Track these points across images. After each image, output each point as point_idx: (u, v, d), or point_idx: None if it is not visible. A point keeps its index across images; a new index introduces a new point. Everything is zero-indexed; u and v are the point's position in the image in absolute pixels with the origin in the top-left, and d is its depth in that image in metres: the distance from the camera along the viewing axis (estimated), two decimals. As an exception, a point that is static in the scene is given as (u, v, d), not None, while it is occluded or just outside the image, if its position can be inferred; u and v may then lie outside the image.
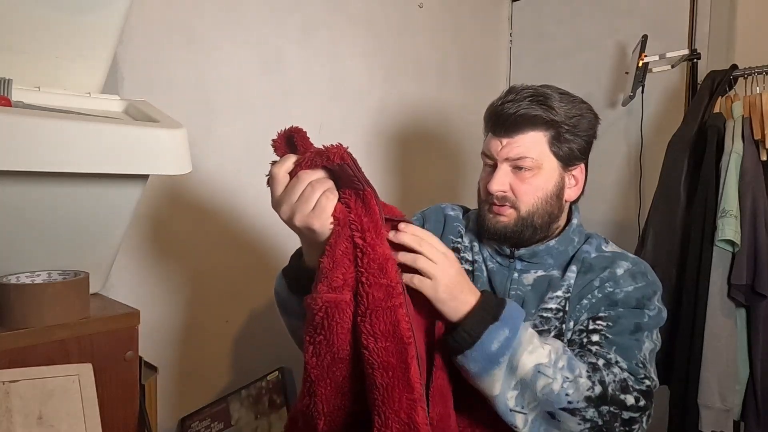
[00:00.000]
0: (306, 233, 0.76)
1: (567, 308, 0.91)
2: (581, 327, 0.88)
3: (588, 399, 0.76)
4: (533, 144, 0.92)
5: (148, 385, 1.07)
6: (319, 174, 0.74)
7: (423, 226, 0.97)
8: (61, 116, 0.79)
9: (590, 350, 0.84)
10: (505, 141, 0.93)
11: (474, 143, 2.13)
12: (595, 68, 2.04)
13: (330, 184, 0.74)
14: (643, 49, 1.71)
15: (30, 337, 0.81)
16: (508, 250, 0.98)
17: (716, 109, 1.60)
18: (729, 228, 1.44)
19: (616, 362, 0.82)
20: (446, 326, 0.78)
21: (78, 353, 0.85)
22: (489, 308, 0.76)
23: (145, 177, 0.90)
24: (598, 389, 0.77)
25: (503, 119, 0.92)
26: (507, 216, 0.94)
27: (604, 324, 0.87)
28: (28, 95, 0.88)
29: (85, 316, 0.87)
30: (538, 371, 0.75)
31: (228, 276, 1.55)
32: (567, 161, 0.95)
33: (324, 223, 0.72)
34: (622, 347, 0.84)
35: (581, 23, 2.08)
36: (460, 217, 1.09)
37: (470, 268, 1.00)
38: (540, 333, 0.85)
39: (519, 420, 0.77)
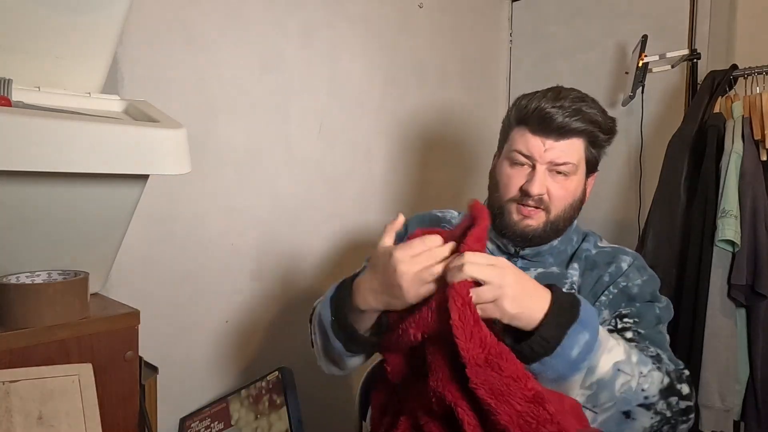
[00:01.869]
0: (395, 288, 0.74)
1: None
2: (609, 327, 0.87)
3: (660, 392, 0.75)
4: (575, 150, 0.92)
5: (148, 385, 1.06)
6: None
7: (404, 235, 0.94)
8: (61, 116, 0.79)
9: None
10: (548, 143, 0.91)
11: (474, 143, 2.13)
12: (595, 68, 2.04)
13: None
14: (643, 49, 1.71)
15: (30, 337, 0.81)
16: (513, 249, 0.97)
17: (716, 109, 1.60)
18: (729, 228, 1.44)
19: (658, 354, 0.81)
20: (503, 330, 0.72)
21: (78, 353, 0.85)
22: (565, 310, 0.70)
23: (145, 177, 0.90)
24: (666, 380, 0.76)
25: (553, 124, 0.90)
26: (536, 219, 0.93)
27: (631, 321, 0.86)
28: (28, 95, 0.88)
29: (85, 316, 0.87)
30: (618, 369, 0.72)
31: (228, 276, 1.55)
32: (591, 169, 0.97)
33: (418, 291, 0.72)
34: (654, 341, 0.84)
35: (581, 23, 2.08)
36: (449, 218, 1.09)
37: None
38: None
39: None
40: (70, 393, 0.80)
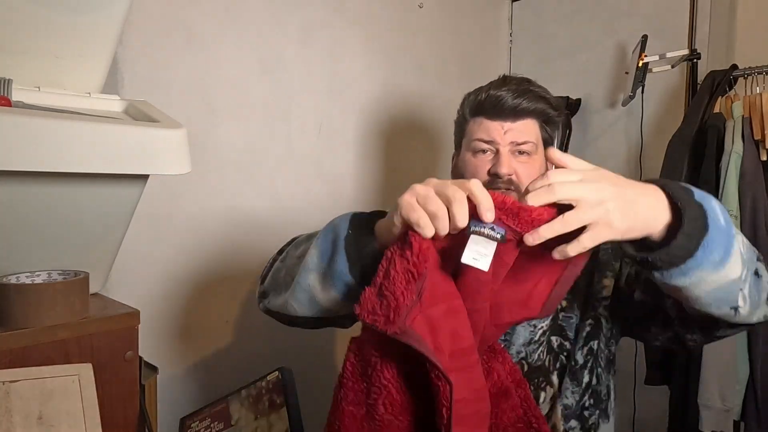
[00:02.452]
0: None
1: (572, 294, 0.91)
2: (630, 271, 0.89)
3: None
4: (532, 129, 0.96)
5: (148, 385, 1.06)
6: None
7: None
8: (61, 116, 0.79)
9: None
10: (506, 125, 0.95)
11: (474, 143, 2.13)
12: (595, 68, 2.04)
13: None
14: (643, 49, 1.71)
15: (30, 337, 0.80)
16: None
17: (716, 109, 1.60)
18: (729, 228, 1.44)
19: None
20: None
21: (78, 353, 0.85)
22: (687, 198, 0.62)
23: (145, 177, 0.90)
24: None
25: (506, 104, 0.94)
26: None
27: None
28: (28, 95, 0.88)
29: (85, 316, 0.87)
30: (734, 232, 0.66)
31: (228, 276, 1.55)
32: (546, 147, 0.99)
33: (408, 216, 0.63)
34: None
35: (581, 23, 2.08)
36: None
37: None
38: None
39: (740, 298, 0.68)
40: (70, 393, 0.80)
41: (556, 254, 0.60)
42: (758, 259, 0.72)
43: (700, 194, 0.64)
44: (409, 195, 0.64)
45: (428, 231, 0.61)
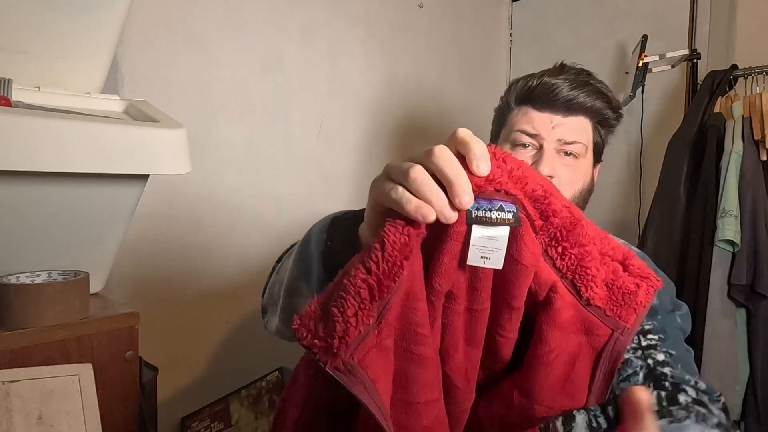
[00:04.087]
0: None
1: None
2: (633, 345, 0.76)
3: None
4: (584, 129, 0.84)
5: (148, 385, 1.06)
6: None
7: None
8: (61, 116, 0.79)
9: (666, 378, 0.70)
10: (556, 119, 0.82)
11: (474, 143, 2.13)
12: (595, 68, 2.02)
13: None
14: (643, 49, 1.71)
15: (30, 337, 0.80)
16: None
17: (716, 109, 1.60)
18: (729, 228, 1.44)
19: (696, 385, 0.70)
20: None
21: (78, 353, 0.85)
22: None
23: (145, 177, 0.90)
24: None
25: (559, 95, 0.81)
26: None
27: (656, 338, 0.75)
28: (28, 95, 0.88)
29: (85, 316, 0.87)
30: None
31: (228, 276, 1.55)
32: (598, 156, 0.88)
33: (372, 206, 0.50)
34: (686, 363, 0.73)
35: (581, 23, 2.08)
36: None
37: None
38: None
39: None
40: (70, 393, 0.80)
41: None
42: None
43: None
44: (387, 178, 0.47)
45: (431, 216, 0.42)
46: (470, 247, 0.43)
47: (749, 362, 1.50)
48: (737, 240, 1.43)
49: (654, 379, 0.71)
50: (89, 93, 0.97)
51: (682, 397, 0.67)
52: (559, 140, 0.82)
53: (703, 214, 1.53)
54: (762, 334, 1.47)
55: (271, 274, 0.81)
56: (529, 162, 0.81)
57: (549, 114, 0.83)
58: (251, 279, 1.59)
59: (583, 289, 0.46)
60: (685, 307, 0.81)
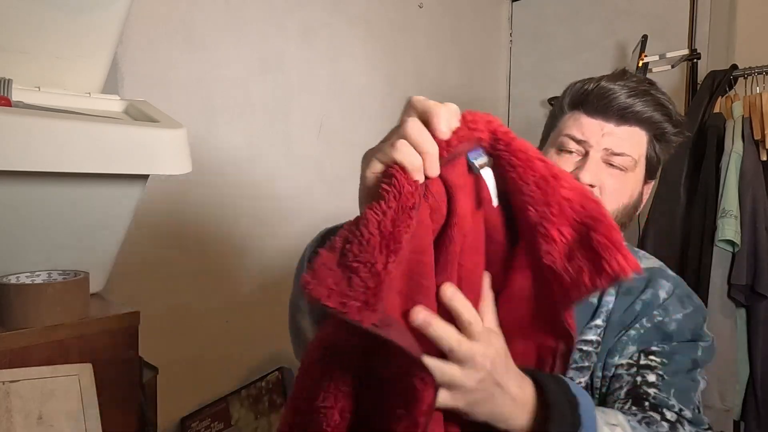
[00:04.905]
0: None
1: (603, 337, 0.77)
2: (631, 361, 0.75)
3: None
4: (637, 142, 0.78)
5: (148, 385, 1.06)
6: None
7: None
8: (61, 116, 0.79)
9: (648, 397, 0.71)
10: (608, 128, 0.77)
11: (474, 143, 2.13)
12: (595, 68, 2.02)
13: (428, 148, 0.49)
14: (643, 49, 1.71)
15: (30, 337, 0.81)
16: None
17: (716, 109, 1.60)
18: (729, 228, 1.44)
19: (681, 412, 0.70)
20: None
21: (78, 353, 0.85)
22: (564, 414, 0.55)
23: (145, 177, 0.90)
24: None
25: (614, 102, 0.76)
26: None
27: (659, 360, 0.74)
28: (28, 95, 0.88)
29: (85, 316, 0.87)
30: None
31: (228, 276, 1.55)
32: (651, 172, 0.82)
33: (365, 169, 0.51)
34: (681, 390, 0.72)
35: (581, 23, 2.08)
36: None
37: None
38: (580, 369, 0.75)
39: None
40: (70, 393, 0.80)
41: None
42: None
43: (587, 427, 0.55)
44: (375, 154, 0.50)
45: (428, 170, 0.48)
46: (490, 189, 0.48)
47: (749, 362, 1.50)
48: (737, 240, 1.43)
49: (635, 396, 0.71)
50: (89, 93, 0.97)
51: (656, 419, 0.68)
52: (606, 149, 0.77)
53: (703, 214, 1.53)
54: (762, 334, 1.47)
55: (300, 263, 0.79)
56: (571, 168, 0.78)
57: (601, 121, 0.78)
58: (251, 279, 1.59)
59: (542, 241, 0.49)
60: (709, 339, 0.79)
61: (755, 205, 1.47)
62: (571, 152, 0.79)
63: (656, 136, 0.80)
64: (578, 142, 0.79)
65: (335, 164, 1.76)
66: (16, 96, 0.85)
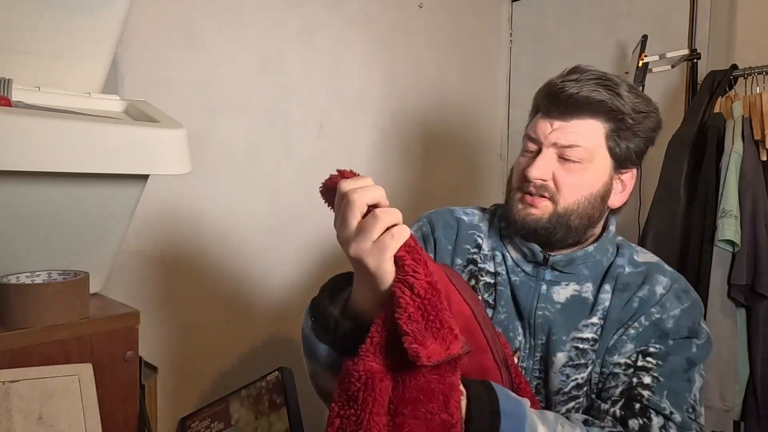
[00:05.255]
0: (360, 269, 0.60)
1: (600, 335, 0.79)
2: (629, 361, 0.76)
3: None
4: (589, 133, 0.79)
5: (148, 385, 1.06)
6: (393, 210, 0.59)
7: (432, 233, 0.90)
8: (61, 116, 0.79)
9: (641, 399, 0.73)
10: (557, 124, 0.80)
11: (474, 143, 2.13)
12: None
13: (399, 218, 0.59)
14: (643, 49, 1.71)
15: (30, 337, 0.80)
16: (541, 256, 0.83)
17: (716, 109, 1.60)
18: (729, 228, 1.44)
19: (671, 416, 0.72)
20: None
21: (78, 353, 0.85)
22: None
23: (145, 177, 0.90)
24: None
25: (561, 99, 0.79)
26: (540, 209, 0.81)
27: (654, 362, 0.75)
28: (28, 95, 0.88)
29: (85, 316, 0.87)
30: None
31: (228, 276, 1.55)
32: (621, 162, 0.83)
33: (380, 265, 0.57)
34: (674, 391, 0.74)
35: (581, 24, 2.08)
36: (476, 222, 0.93)
37: (492, 281, 0.86)
38: (576, 367, 0.77)
39: None
40: (70, 393, 0.80)
41: None
42: None
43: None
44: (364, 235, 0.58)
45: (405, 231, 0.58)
46: None
47: (749, 362, 1.50)
48: (737, 240, 1.43)
49: (628, 397, 0.74)
50: (89, 93, 0.97)
51: (633, 423, 0.71)
52: (555, 144, 0.80)
53: (703, 214, 1.53)
54: (762, 334, 1.47)
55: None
56: (525, 167, 0.82)
57: (551, 119, 0.81)
58: (251, 279, 1.59)
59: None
60: (705, 335, 0.80)
61: (755, 205, 1.47)
62: (531, 152, 0.83)
63: (614, 123, 0.80)
64: (533, 140, 0.83)
65: (335, 164, 1.75)
66: (16, 96, 0.85)
